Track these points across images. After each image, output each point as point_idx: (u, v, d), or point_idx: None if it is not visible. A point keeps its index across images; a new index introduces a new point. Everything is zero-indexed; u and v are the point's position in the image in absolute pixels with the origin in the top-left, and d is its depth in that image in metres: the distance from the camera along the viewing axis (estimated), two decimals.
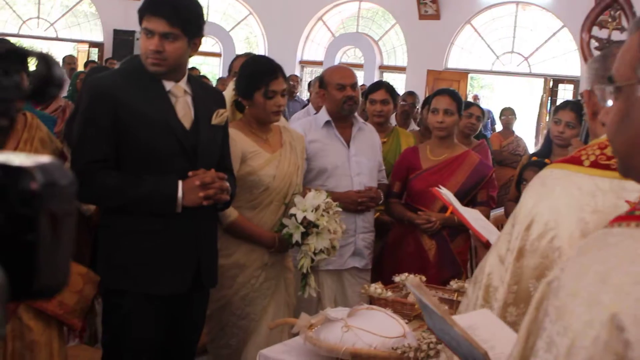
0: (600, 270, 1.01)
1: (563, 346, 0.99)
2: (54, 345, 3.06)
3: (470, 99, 13.09)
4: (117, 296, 3.09)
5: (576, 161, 1.95)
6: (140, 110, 3.04)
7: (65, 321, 3.05)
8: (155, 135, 3.05)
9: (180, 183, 3.04)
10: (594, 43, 8.37)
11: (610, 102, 1.20)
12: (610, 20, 8.20)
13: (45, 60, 0.77)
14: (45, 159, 0.75)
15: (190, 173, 3.08)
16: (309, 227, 3.57)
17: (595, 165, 1.90)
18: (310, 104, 6.79)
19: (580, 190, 1.89)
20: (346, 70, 4.51)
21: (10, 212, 0.71)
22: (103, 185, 3.00)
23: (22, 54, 0.78)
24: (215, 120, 3.25)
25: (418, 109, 7.21)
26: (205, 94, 3.31)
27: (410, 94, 7.42)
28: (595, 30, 8.44)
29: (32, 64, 0.79)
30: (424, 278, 3.54)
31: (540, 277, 1.84)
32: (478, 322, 1.78)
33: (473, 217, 3.42)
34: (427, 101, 6.11)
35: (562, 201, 1.89)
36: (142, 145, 3.04)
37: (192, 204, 3.06)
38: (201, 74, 8.96)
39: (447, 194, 3.54)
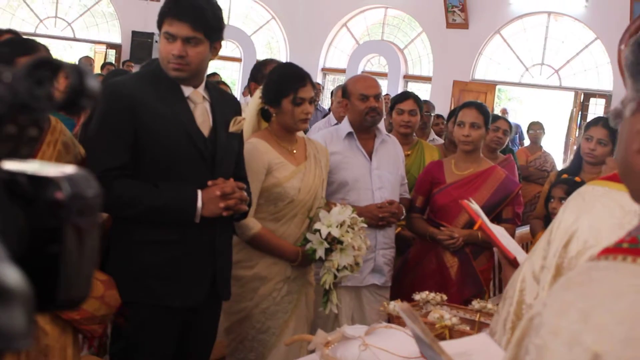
0: (583, 308, 0.98)
1: None
2: (68, 351, 3.01)
3: (498, 112, 12.85)
4: (130, 308, 3.06)
5: (618, 179, 1.91)
6: (161, 116, 3.00)
7: (83, 327, 2.99)
8: (175, 143, 3.01)
9: (199, 193, 3.01)
10: None
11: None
12: None
13: (78, 72, 0.78)
14: (71, 169, 0.76)
15: (209, 182, 3.05)
16: (333, 243, 3.56)
17: None
18: (331, 114, 6.67)
19: (622, 209, 1.86)
20: (370, 80, 4.45)
21: (35, 222, 0.72)
22: (120, 194, 2.95)
23: (56, 65, 0.77)
24: (233, 127, 3.22)
25: (433, 117, 7.12)
26: (222, 100, 3.28)
27: (425, 102, 7.18)
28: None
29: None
30: (444, 297, 3.50)
31: None
32: (474, 347, 1.78)
33: (499, 233, 3.29)
34: (452, 113, 5.95)
35: (603, 219, 1.87)
36: (161, 152, 3.00)
37: (211, 214, 3.04)
38: (220, 79, 8.71)
39: (476, 207, 3.41)
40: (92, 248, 0.77)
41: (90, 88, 0.79)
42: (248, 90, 5.17)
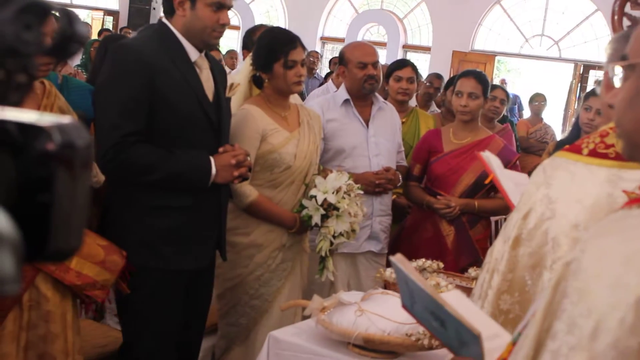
0: (624, 252, 1.01)
1: (587, 328, 0.99)
2: (68, 317, 3.02)
3: (497, 82, 12.78)
4: (137, 273, 3.07)
5: (576, 149, 1.95)
6: (175, 81, 3.01)
7: (85, 292, 3.00)
8: (186, 109, 3.03)
9: (212, 159, 3.06)
10: (626, 22, 7.97)
11: (618, 83, 1.19)
12: None
13: (67, 16, 0.76)
14: (63, 118, 0.74)
15: (220, 149, 3.11)
16: (329, 209, 3.55)
17: (593, 154, 1.91)
18: (330, 82, 6.55)
19: (576, 180, 1.89)
20: (368, 48, 4.41)
21: (25, 171, 0.71)
22: (138, 160, 2.96)
23: (44, 8, 0.75)
24: (230, 93, 3.26)
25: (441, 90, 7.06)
26: (216, 64, 3.30)
27: (437, 77, 7.19)
28: (628, 9, 8.04)
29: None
30: (441, 264, 3.54)
31: (535, 266, 1.87)
32: (449, 302, 1.74)
33: (517, 181, 3.25)
34: (450, 82, 5.92)
35: (559, 191, 1.89)
36: (173, 118, 3.01)
37: (224, 181, 3.12)
38: (219, 46, 8.65)
39: (489, 157, 3.36)
40: (84, 199, 0.75)
41: (79, 33, 0.77)
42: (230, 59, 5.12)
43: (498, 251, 2.00)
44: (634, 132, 1.16)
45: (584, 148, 1.93)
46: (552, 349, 1.05)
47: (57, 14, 0.77)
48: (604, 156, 1.89)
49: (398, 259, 1.74)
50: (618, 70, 1.19)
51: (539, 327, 1.12)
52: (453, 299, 1.80)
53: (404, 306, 1.82)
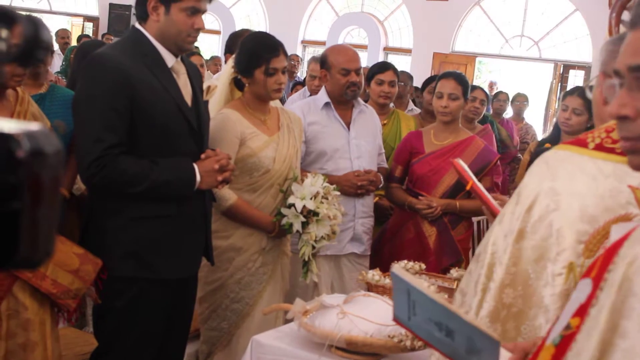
0: None
1: None
2: (47, 325, 3.03)
3: (485, 85, 12.82)
4: (122, 282, 3.05)
5: (581, 143, 1.94)
6: (154, 90, 2.98)
7: (59, 301, 3.00)
8: (167, 116, 3.01)
9: (196, 166, 3.06)
10: (623, 30, 8.01)
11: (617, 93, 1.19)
12: None
13: (33, 23, 0.77)
14: (32, 125, 0.74)
15: (202, 155, 3.10)
16: (309, 215, 3.55)
17: (599, 148, 1.90)
18: (306, 87, 6.51)
19: (582, 173, 1.89)
20: (352, 53, 4.38)
21: None
22: (125, 171, 2.93)
23: (10, 16, 0.75)
24: (207, 96, 3.28)
25: (409, 87, 7.05)
26: (192, 68, 3.29)
27: (402, 73, 7.15)
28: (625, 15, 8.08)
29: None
30: (423, 265, 3.54)
31: (540, 259, 1.86)
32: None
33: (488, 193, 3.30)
34: (427, 83, 5.92)
35: (564, 184, 1.89)
36: (157, 125, 2.99)
37: (208, 187, 3.13)
38: (199, 52, 8.63)
39: (465, 166, 3.41)
40: (53, 207, 0.76)
41: (45, 39, 0.77)
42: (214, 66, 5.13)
43: (494, 244, 2.00)
44: None
45: (590, 142, 1.93)
46: (624, 348, 1.06)
47: (23, 21, 0.77)
48: (611, 151, 1.89)
49: (398, 269, 1.72)
50: (628, 78, 1.19)
51: (603, 327, 1.12)
52: None
53: (396, 319, 1.77)
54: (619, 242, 1.18)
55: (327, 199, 3.58)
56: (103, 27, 16.02)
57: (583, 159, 1.91)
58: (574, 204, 1.86)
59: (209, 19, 15.94)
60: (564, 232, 1.85)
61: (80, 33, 15.04)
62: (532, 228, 1.90)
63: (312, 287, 4.04)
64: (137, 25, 3.10)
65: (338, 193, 3.69)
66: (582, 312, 1.22)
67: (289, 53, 4.15)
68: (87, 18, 16.85)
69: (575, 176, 1.89)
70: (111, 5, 16.08)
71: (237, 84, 3.71)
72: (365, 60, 14.21)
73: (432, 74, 13.07)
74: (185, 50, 3.13)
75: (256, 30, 3.99)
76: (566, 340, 1.27)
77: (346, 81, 4.22)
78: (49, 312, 3.04)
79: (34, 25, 0.76)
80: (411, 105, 6.77)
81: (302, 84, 9.82)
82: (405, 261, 3.49)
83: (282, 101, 5.88)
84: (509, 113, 9.50)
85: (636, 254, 1.09)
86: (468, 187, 3.70)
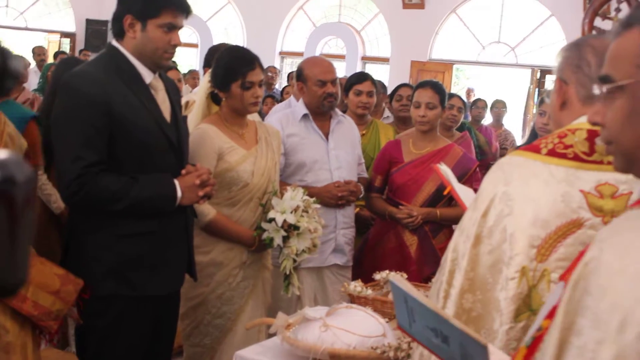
0: None
1: (613, 322, 1.03)
2: (29, 347, 2.99)
3: (463, 92, 12.88)
4: (105, 301, 3.04)
5: (534, 149, 1.97)
6: (133, 107, 2.98)
7: (40, 323, 2.96)
8: (147, 133, 3.01)
9: (176, 182, 3.05)
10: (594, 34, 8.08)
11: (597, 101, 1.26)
12: (615, 12, 7.89)
13: (1, 53, 0.82)
14: (3, 153, 0.74)
15: (183, 171, 3.10)
16: (289, 229, 3.55)
17: (552, 153, 1.93)
18: (292, 97, 6.49)
19: (535, 178, 1.91)
20: (327, 65, 4.43)
21: None
22: (106, 188, 2.92)
23: None
24: (186, 111, 3.29)
25: (381, 95, 6.94)
26: (170, 83, 3.29)
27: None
28: (598, 21, 8.15)
29: None
30: (405, 275, 3.49)
31: (495, 264, 1.88)
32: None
33: (468, 198, 3.28)
34: (394, 92, 5.95)
35: (518, 189, 1.91)
36: (137, 142, 2.98)
37: (190, 202, 3.12)
38: (176, 66, 8.61)
39: (446, 171, 3.38)
40: (26, 233, 0.75)
41: (13, 69, 0.77)
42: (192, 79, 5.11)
43: (457, 251, 2.01)
44: (635, 148, 1.23)
45: (543, 148, 1.95)
46: (578, 345, 1.10)
47: None
48: (563, 156, 1.92)
49: (396, 278, 1.76)
50: (603, 89, 1.25)
51: (561, 326, 1.15)
52: None
53: (400, 327, 1.81)
54: (588, 246, 1.22)
55: (307, 212, 3.58)
56: (80, 43, 15.91)
57: (536, 164, 1.93)
58: (527, 209, 1.89)
59: (186, 33, 15.92)
60: (517, 236, 1.87)
61: (57, 49, 14.94)
62: (487, 233, 1.92)
63: (295, 300, 4.03)
64: (114, 42, 3.09)
65: (318, 206, 3.69)
66: (552, 313, 1.26)
67: (268, 65, 4.18)
68: (64, 34, 16.73)
69: (528, 181, 1.92)
70: (88, 21, 15.99)
71: (214, 98, 3.72)
72: (344, 70, 14.23)
73: (411, 82, 13.14)
74: (162, 66, 3.14)
75: (232, 44, 3.99)
76: (536, 341, 1.31)
77: (322, 92, 4.25)
78: (31, 334, 3.00)
79: (2, 57, 0.78)
80: (387, 112, 6.79)
81: (273, 97, 9.82)
82: (387, 271, 3.48)
83: (260, 114, 5.88)
84: (487, 120, 9.56)
85: (593, 255, 1.13)
86: (446, 192, 3.72)
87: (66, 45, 16.33)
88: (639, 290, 1.04)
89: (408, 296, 1.69)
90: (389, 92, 7.39)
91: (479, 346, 1.55)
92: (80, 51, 13.69)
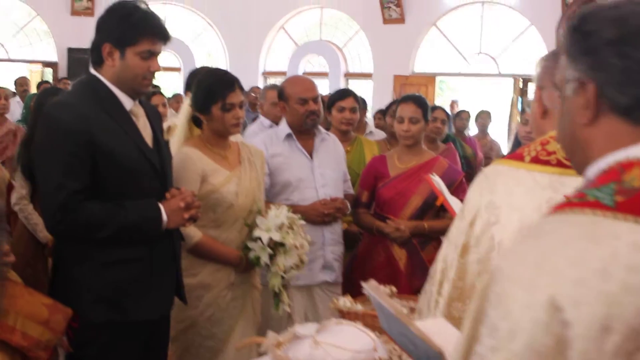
0: (537, 256, 1.07)
1: (504, 329, 1.05)
2: None
3: (440, 104, 12.91)
4: (94, 328, 3.03)
5: (518, 157, 2.00)
6: (115, 134, 2.99)
7: (30, 354, 2.92)
8: (130, 160, 3.01)
9: (161, 206, 3.06)
10: None
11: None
12: None
13: None
14: None
15: (167, 195, 3.11)
16: (275, 247, 3.55)
17: (535, 160, 1.96)
18: (262, 117, 6.52)
19: (519, 186, 1.94)
20: (308, 83, 4.46)
21: None
22: (91, 216, 2.93)
23: None
24: (168, 135, 3.30)
25: (363, 111, 7.01)
26: (150, 109, 3.30)
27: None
28: None
29: None
30: (394, 289, 3.52)
31: (484, 272, 1.92)
32: (431, 329, 1.78)
33: (458, 207, 3.31)
34: (390, 107, 5.96)
35: (503, 197, 1.94)
36: (120, 169, 2.99)
37: (176, 225, 3.12)
38: (159, 90, 8.65)
39: (439, 182, 3.46)
40: None
41: None
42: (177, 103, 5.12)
43: (446, 262, 2.03)
44: (565, 147, 1.30)
45: (526, 155, 1.97)
46: (478, 352, 1.11)
47: None
48: (546, 163, 1.94)
49: (370, 286, 1.83)
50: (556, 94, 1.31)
51: (468, 333, 1.17)
52: (435, 325, 1.82)
53: (384, 331, 1.88)
54: None
55: (292, 228, 3.59)
56: (62, 72, 15.89)
57: (519, 172, 1.96)
58: (513, 217, 1.91)
59: (169, 57, 15.95)
60: (505, 244, 1.90)
61: (39, 79, 14.94)
62: (475, 242, 1.95)
63: (287, 318, 4.02)
64: (92, 71, 3.10)
65: (303, 222, 3.70)
66: None
67: (251, 85, 4.20)
68: (46, 64, 16.73)
69: (512, 189, 1.95)
70: (70, 50, 15.99)
71: (195, 121, 3.73)
72: (327, 88, 14.27)
73: (394, 97, 13.19)
74: (141, 93, 3.14)
75: (211, 67, 4.01)
76: None
77: (305, 110, 4.27)
78: None
79: None
80: (370, 127, 6.82)
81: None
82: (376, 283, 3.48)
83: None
84: (473, 131, 9.60)
85: (497, 263, 1.15)
86: (438, 203, 3.74)
87: (49, 75, 16.31)
88: (527, 299, 1.04)
89: (377, 303, 1.77)
90: (376, 107, 7.44)
91: (434, 353, 1.61)
92: (60, 80, 13.66)
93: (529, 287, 1.05)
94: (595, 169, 1.20)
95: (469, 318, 1.18)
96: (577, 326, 1.00)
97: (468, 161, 7.66)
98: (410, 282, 4.23)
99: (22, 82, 11.62)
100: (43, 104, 3.43)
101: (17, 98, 11.11)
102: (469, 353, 1.15)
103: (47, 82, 13.41)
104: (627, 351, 1.00)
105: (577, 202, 1.14)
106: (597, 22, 1.20)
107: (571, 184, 1.88)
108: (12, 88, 11.42)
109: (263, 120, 6.36)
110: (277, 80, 15.95)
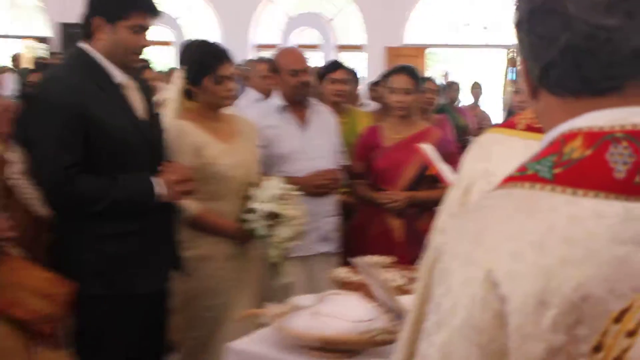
0: (475, 231, 1.06)
1: (446, 306, 1.04)
2: (23, 352, 2.96)
3: (432, 75, 12.88)
4: (93, 301, 3.04)
5: (511, 125, 1.99)
6: (107, 108, 3.01)
7: (33, 327, 2.95)
8: (124, 133, 3.03)
9: (155, 180, 3.08)
10: None
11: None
12: None
13: None
14: None
15: (161, 168, 3.13)
16: (271, 218, 3.56)
17: (529, 128, 1.94)
18: (250, 90, 6.47)
19: (514, 153, 1.80)
20: (298, 54, 4.49)
21: None
22: (84, 191, 2.96)
23: None
24: (160, 109, 3.29)
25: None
26: (143, 83, 3.31)
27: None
28: None
29: None
30: (392, 259, 3.56)
31: None
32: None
33: (452, 174, 3.35)
34: (384, 78, 5.93)
35: (497, 165, 1.88)
36: (113, 142, 3.01)
37: (169, 199, 3.14)
38: (150, 64, 8.65)
39: (430, 150, 3.46)
40: None
41: None
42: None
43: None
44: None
45: (519, 123, 1.97)
46: (424, 328, 1.10)
47: None
48: (539, 130, 1.89)
49: (358, 261, 1.79)
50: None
51: (417, 311, 1.17)
52: None
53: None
54: None
55: (287, 199, 3.60)
56: (56, 47, 15.78)
57: (513, 140, 1.95)
58: None
59: (160, 31, 15.82)
60: None
61: (33, 55, 14.85)
62: None
63: (286, 290, 4.00)
64: (82, 44, 3.10)
65: (297, 193, 3.72)
66: None
67: (243, 59, 4.19)
68: (40, 39, 16.61)
69: (507, 157, 1.86)
70: (63, 25, 15.84)
71: (188, 94, 3.73)
72: (322, 60, 14.20)
73: (387, 69, 13.14)
74: (131, 67, 3.16)
75: (201, 39, 4.04)
76: None
77: (296, 81, 4.28)
78: (22, 339, 2.98)
79: None
80: (363, 99, 6.81)
81: None
82: (371, 256, 3.50)
83: None
84: (463, 101, 9.63)
85: (442, 239, 1.13)
86: (433, 172, 3.76)
87: (43, 50, 16.18)
88: (465, 274, 1.03)
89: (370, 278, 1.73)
90: (371, 79, 7.42)
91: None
92: (52, 54, 13.58)
93: (466, 263, 1.04)
94: (543, 142, 1.19)
95: (416, 295, 1.19)
96: (514, 301, 0.99)
97: (463, 131, 7.67)
98: (408, 252, 4.16)
99: (16, 58, 11.60)
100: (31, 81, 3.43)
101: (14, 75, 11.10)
102: (416, 333, 1.16)
103: (42, 57, 13.35)
104: (567, 325, 0.98)
105: (518, 176, 1.11)
106: None
107: None
108: (8, 64, 11.40)
109: (251, 94, 6.32)
110: (269, 53, 15.87)
